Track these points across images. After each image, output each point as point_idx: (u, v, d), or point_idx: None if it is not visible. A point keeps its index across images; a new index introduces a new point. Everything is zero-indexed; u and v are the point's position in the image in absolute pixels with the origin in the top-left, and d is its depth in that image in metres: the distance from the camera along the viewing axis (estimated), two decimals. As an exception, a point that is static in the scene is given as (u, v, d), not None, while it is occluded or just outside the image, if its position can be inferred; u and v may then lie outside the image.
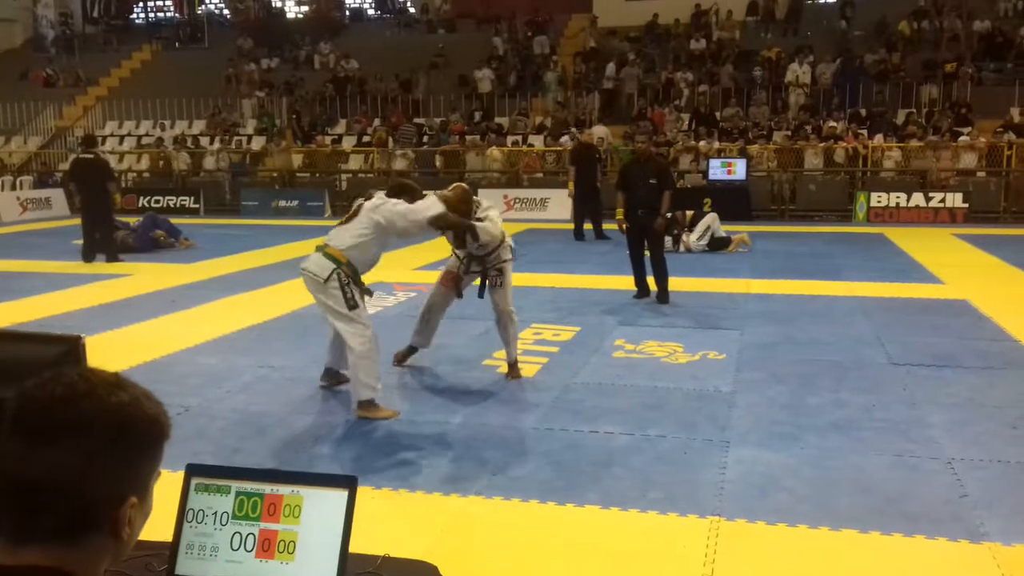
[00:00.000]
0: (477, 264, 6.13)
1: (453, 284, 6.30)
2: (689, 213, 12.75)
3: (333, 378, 5.86)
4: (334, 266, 5.16)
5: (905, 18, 21.88)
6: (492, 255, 6.06)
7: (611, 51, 22.96)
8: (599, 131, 19.53)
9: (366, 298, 5.37)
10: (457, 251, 6.24)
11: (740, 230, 13.28)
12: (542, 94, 22.34)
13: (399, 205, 5.26)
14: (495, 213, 6.01)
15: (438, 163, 19.89)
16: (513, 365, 6.20)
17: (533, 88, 22.69)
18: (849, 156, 17.56)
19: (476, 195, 6.18)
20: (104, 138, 23.61)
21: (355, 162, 20.73)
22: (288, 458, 4.70)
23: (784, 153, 17.89)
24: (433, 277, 9.92)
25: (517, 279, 6.57)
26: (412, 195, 5.47)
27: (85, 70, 27.27)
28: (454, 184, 6.05)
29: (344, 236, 5.28)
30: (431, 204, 5.32)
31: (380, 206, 5.28)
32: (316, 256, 5.27)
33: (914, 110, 19.38)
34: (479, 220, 5.81)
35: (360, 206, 5.40)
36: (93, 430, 1.12)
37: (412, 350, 6.50)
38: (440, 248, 11.53)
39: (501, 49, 23.93)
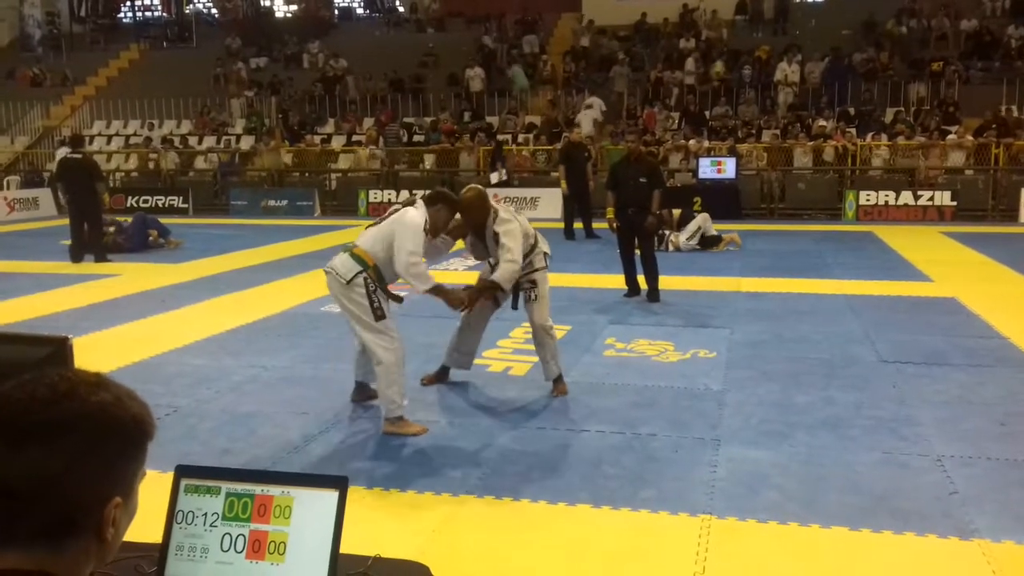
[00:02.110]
0: None
1: (488, 294, 5.69)
2: (676, 212, 12.75)
3: (364, 393, 5.49)
4: (360, 268, 4.85)
5: (893, 17, 21.95)
6: (523, 263, 5.49)
7: (604, 50, 22.98)
8: (596, 102, 19.75)
9: (393, 304, 5.01)
10: (489, 259, 5.67)
11: (730, 229, 13.31)
12: (511, 89, 22.42)
13: (409, 239, 4.82)
14: (515, 227, 5.38)
15: (428, 162, 19.93)
16: (557, 380, 5.73)
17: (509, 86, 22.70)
18: (838, 155, 17.62)
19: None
20: (92, 138, 23.50)
21: (344, 161, 20.70)
22: (278, 459, 4.69)
23: (773, 152, 17.95)
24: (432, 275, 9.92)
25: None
26: (449, 205, 5.20)
27: (72, 69, 27.13)
28: (469, 186, 5.61)
29: (373, 239, 4.95)
30: (425, 276, 4.94)
31: (401, 224, 4.88)
32: (343, 256, 4.97)
33: (902, 109, 19.47)
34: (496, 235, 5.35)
35: (394, 212, 5.05)
36: (75, 430, 1.11)
37: (444, 372, 6.02)
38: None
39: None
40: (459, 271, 10.51)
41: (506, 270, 5.30)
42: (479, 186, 5.70)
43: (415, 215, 4.95)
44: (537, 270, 5.61)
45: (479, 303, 5.65)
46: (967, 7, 22.08)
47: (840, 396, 5.62)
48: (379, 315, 4.86)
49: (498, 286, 5.41)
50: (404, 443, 4.89)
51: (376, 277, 4.89)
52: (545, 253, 5.70)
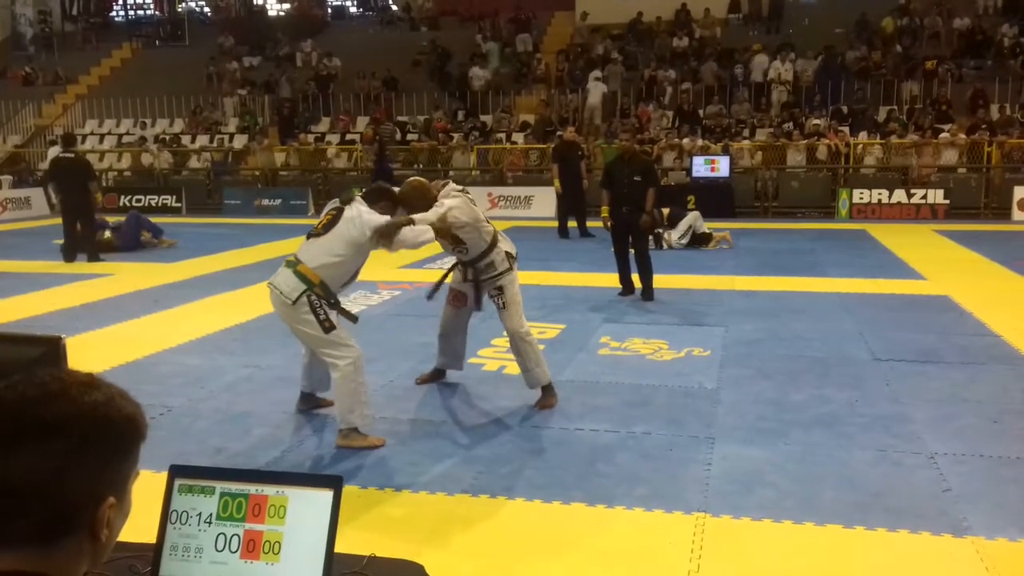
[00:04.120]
0: (472, 273, 5.49)
1: (460, 301, 5.67)
2: (666, 211, 12.71)
3: (310, 402, 5.43)
4: (304, 287, 4.65)
5: (889, 14, 21.96)
6: (481, 262, 5.39)
7: (599, 49, 22.98)
8: (595, 77, 20.71)
9: (345, 320, 4.82)
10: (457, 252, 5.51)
11: (723, 227, 13.33)
12: (485, 66, 22.84)
13: (373, 217, 4.72)
14: (450, 201, 5.12)
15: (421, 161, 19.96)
16: (545, 388, 5.47)
17: (517, 85, 22.71)
18: (832, 153, 17.65)
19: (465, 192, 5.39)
20: (84, 137, 23.42)
21: (338, 160, 20.68)
22: (273, 458, 4.68)
23: (767, 150, 17.98)
24: (418, 276, 9.95)
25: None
26: (391, 200, 5.05)
27: (65, 68, 27.03)
28: (408, 179, 5.34)
29: (317, 253, 4.75)
30: (417, 231, 4.81)
31: (356, 219, 4.73)
32: (286, 273, 4.74)
33: (895, 107, 19.50)
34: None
35: (335, 215, 4.84)
36: (67, 431, 1.11)
37: (438, 373, 6.00)
38: (427, 247, 11.52)
39: (484, 48, 23.92)
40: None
41: (424, 217, 4.95)
42: (420, 178, 5.47)
43: (366, 214, 4.73)
44: (501, 274, 5.39)
45: (453, 307, 5.64)
46: (960, 6, 22.11)
47: (834, 394, 5.63)
48: (327, 327, 4.67)
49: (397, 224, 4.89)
50: (398, 443, 4.88)
51: (323, 294, 4.70)
52: (508, 253, 5.44)
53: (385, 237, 4.76)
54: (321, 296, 4.69)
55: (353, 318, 4.93)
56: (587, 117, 20.72)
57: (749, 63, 21.18)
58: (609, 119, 20.39)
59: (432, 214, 5.04)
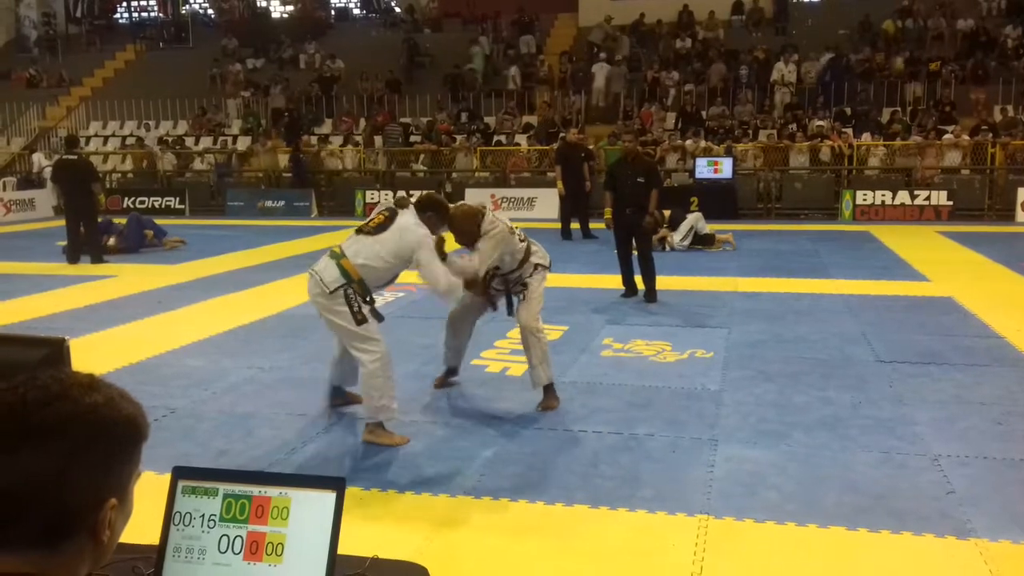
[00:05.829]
0: (499, 283, 5.54)
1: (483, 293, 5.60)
2: (667, 212, 12.68)
3: (339, 397, 5.45)
4: (344, 282, 4.73)
5: (890, 16, 21.96)
6: (514, 274, 5.48)
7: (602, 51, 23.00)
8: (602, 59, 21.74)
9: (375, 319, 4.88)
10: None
11: (727, 229, 13.32)
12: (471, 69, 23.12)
13: (433, 263, 4.80)
14: (496, 232, 5.26)
15: (421, 162, 19.97)
16: (547, 390, 5.47)
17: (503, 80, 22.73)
18: (835, 155, 17.64)
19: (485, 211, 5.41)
20: (88, 139, 23.47)
21: (342, 162, 20.70)
22: (276, 460, 4.68)
23: (770, 152, 17.96)
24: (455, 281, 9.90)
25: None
26: (439, 212, 5.07)
27: (68, 70, 27.10)
28: (461, 203, 5.33)
29: (362, 252, 4.81)
30: (454, 284, 4.93)
31: (406, 232, 4.82)
32: (330, 264, 4.81)
33: (899, 108, 19.48)
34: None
35: (387, 216, 4.91)
36: (68, 432, 1.11)
37: (451, 372, 5.96)
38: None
39: (488, 49, 23.93)
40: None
41: (462, 268, 5.15)
42: (470, 205, 5.42)
43: (421, 233, 4.83)
44: (530, 276, 5.48)
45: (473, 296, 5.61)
46: (964, 7, 22.10)
47: (837, 396, 5.62)
48: (360, 319, 4.75)
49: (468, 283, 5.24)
50: (401, 445, 4.88)
51: (360, 290, 4.80)
52: (538, 265, 5.50)
53: (427, 270, 4.83)
54: (357, 292, 4.78)
55: (380, 317, 4.99)
56: (595, 101, 21.18)
57: (753, 65, 21.24)
58: (613, 120, 20.40)
59: (470, 266, 5.21)
